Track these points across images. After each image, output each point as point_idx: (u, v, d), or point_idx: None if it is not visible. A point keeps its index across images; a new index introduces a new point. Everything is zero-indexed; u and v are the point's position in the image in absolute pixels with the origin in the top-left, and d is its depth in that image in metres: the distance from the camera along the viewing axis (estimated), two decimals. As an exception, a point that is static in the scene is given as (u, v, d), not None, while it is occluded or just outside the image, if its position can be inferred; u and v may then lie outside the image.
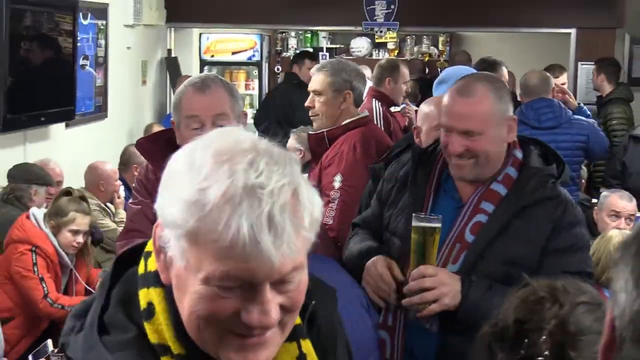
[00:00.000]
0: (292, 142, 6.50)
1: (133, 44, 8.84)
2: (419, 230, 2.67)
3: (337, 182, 4.14)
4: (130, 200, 3.33)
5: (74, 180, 6.35)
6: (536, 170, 2.82)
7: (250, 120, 11.10)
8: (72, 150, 7.20)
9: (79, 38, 7.24)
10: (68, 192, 5.19)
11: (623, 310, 1.20)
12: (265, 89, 11.53)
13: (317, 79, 4.38)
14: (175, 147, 2.85)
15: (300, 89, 7.30)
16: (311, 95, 4.39)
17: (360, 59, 10.96)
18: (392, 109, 6.04)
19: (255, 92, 11.47)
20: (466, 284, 2.68)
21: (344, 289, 2.41)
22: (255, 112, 11.18)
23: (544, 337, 1.60)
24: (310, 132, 4.41)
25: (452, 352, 2.72)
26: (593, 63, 8.18)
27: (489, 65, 6.45)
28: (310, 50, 10.87)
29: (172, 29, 10.11)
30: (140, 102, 9.04)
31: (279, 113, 8.43)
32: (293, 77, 8.63)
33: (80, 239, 5.07)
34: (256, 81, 11.47)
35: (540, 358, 1.59)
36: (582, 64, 8.58)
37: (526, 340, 1.62)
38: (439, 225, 2.67)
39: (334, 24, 10.39)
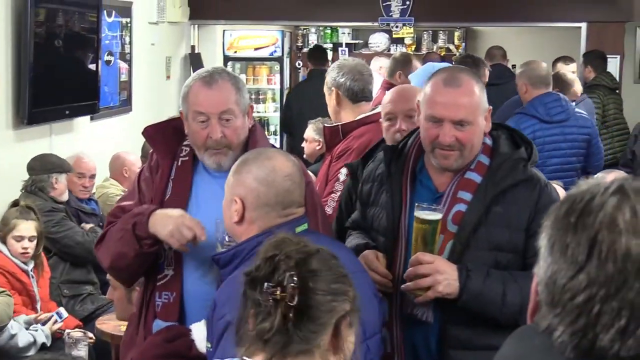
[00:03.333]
0: (310, 132, 6.67)
1: (157, 40, 8.95)
2: (420, 221, 2.71)
3: (342, 175, 4.21)
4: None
5: (99, 172, 6.47)
6: (506, 155, 2.83)
7: (274, 114, 11.37)
8: (97, 143, 7.26)
9: (103, 35, 7.33)
10: (15, 204, 5.26)
11: (541, 276, 1.36)
12: (287, 84, 11.63)
13: None
14: (183, 134, 3.06)
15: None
16: None
17: (379, 54, 11.12)
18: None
19: (277, 86, 11.58)
20: (463, 273, 2.69)
21: (358, 273, 2.47)
22: (277, 105, 11.40)
23: (291, 269, 1.81)
24: (326, 125, 4.51)
25: (454, 342, 2.77)
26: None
27: (472, 62, 6.58)
28: (319, 46, 10.94)
29: (196, 25, 10.24)
30: (165, 97, 9.14)
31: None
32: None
33: (26, 244, 5.12)
34: (278, 76, 11.57)
35: (289, 287, 1.78)
36: (591, 57, 8.67)
37: (276, 272, 1.81)
38: (440, 216, 2.70)
39: (351, 19, 10.49)
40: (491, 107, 2.88)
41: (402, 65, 6.29)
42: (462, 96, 2.77)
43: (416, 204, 2.73)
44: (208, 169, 3.00)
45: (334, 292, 1.83)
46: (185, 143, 3.05)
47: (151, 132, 3.11)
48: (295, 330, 1.78)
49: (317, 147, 6.51)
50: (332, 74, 4.43)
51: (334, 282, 1.84)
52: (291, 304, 1.77)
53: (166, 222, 2.81)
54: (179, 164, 3.02)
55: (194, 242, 2.79)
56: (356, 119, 4.39)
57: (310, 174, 3.54)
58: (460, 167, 2.83)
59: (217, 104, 2.91)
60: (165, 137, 3.08)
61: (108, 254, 3.01)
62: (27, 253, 5.17)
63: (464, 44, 12.42)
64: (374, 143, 3.67)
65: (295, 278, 1.78)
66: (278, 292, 1.78)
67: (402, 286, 2.74)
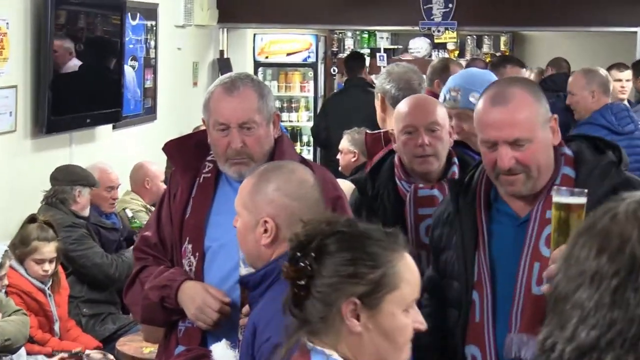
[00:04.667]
0: (344, 143, 6.51)
1: (184, 44, 8.90)
2: (560, 207, 2.45)
3: None
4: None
5: (121, 184, 6.40)
6: (594, 162, 2.64)
7: (307, 123, 11.08)
8: (119, 153, 7.22)
9: (127, 39, 7.33)
10: (33, 219, 5.10)
11: None
12: (321, 91, 11.54)
13: None
14: (207, 148, 3.04)
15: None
16: None
17: (419, 60, 10.79)
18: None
19: (311, 94, 11.45)
20: None
21: None
22: (311, 114, 11.29)
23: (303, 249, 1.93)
24: (367, 132, 4.39)
25: None
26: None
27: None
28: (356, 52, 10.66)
29: (225, 29, 10.16)
30: (191, 105, 8.96)
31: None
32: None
33: (46, 266, 5.00)
34: (312, 83, 11.46)
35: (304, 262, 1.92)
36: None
37: (293, 252, 1.95)
38: (584, 200, 2.42)
39: (390, 23, 10.35)
40: (556, 116, 2.66)
41: (440, 72, 6.13)
42: (513, 113, 2.56)
43: (554, 188, 2.49)
44: (231, 180, 2.95)
45: (342, 274, 1.89)
46: (208, 158, 3.01)
47: (171, 148, 3.11)
48: (306, 309, 1.90)
49: (353, 159, 6.35)
50: (380, 79, 4.35)
51: (347, 265, 1.90)
52: (300, 283, 1.90)
53: (189, 305, 2.83)
54: (201, 180, 2.99)
55: (223, 316, 2.80)
56: None
57: (344, 183, 3.55)
58: (533, 191, 2.60)
59: (237, 113, 2.86)
60: (186, 152, 3.05)
61: (137, 312, 3.08)
62: (47, 275, 5.07)
63: (510, 49, 12.13)
64: (382, 155, 3.59)
65: (305, 259, 1.90)
66: (288, 270, 1.92)
67: (543, 287, 2.45)
